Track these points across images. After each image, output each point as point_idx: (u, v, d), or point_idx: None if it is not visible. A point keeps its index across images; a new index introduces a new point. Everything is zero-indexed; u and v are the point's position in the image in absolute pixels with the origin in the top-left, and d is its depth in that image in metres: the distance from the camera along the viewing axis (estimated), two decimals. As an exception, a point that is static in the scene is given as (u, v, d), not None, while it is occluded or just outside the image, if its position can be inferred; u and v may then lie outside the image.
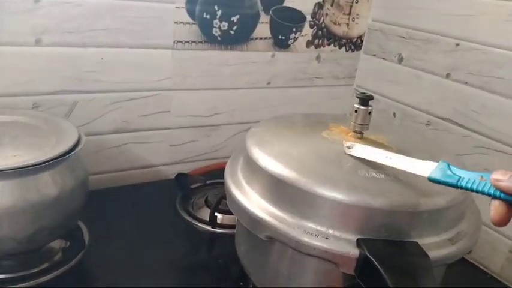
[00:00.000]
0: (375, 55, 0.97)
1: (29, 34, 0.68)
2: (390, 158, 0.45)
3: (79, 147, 0.57)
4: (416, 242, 0.41)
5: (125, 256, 0.64)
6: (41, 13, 0.68)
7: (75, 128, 0.61)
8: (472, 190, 0.36)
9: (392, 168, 0.45)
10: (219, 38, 0.83)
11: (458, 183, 0.37)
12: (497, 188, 0.34)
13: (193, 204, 0.80)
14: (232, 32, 0.83)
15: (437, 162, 0.40)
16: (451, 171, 0.38)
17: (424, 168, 0.40)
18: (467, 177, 0.36)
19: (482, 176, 0.36)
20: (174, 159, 0.89)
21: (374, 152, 0.47)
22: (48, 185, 0.54)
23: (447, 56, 0.81)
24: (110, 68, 0.75)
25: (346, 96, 1.02)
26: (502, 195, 0.34)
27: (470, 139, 0.78)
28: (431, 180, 0.39)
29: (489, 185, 0.35)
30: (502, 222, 0.34)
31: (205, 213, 0.76)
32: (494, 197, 0.35)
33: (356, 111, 0.51)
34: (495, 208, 0.34)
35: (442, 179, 0.38)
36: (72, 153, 0.56)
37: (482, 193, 0.35)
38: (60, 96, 0.73)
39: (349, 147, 0.49)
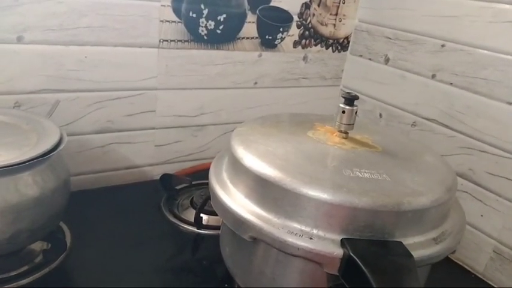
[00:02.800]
0: (361, 56, 0.97)
1: (10, 31, 0.67)
2: None
3: (61, 146, 0.56)
4: (401, 242, 0.41)
5: (108, 258, 0.63)
6: (22, 10, 0.66)
7: (57, 128, 0.60)
8: None
9: (378, 167, 0.45)
10: (205, 37, 0.82)
11: None
12: None
13: (179, 205, 0.79)
14: (218, 31, 0.83)
15: (422, 160, 0.40)
16: None
17: None
18: None
19: None
20: (159, 159, 0.88)
21: None
22: (28, 186, 0.53)
23: (433, 56, 0.82)
24: (93, 66, 0.74)
25: (333, 97, 1.02)
26: None
27: (455, 140, 0.79)
28: None
29: None
30: None
31: (190, 214, 0.75)
32: None
33: (340, 110, 0.51)
34: None
35: None
36: (54, 153, 0.55)
37: None
38: (42, 95, 0.72)
39: None
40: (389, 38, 0.90)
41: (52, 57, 0.71)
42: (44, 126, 0.60)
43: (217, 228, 0.59)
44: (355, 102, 0.51)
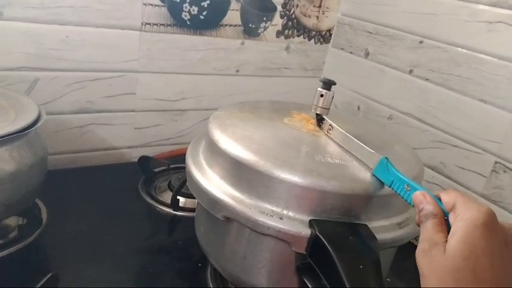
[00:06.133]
0: (343, 49, 0.99)
1: (-11, 7, 0.66)
2: (348, 141, 0.48)
3: (39, 123, 0.57)
4: (366, 225, 0.43)
5: (84, 237, 0.64)
6: (2, -15, 0.66)
7: (36, 105, 0.60)
8: (399, 195, 0.41)
9: (348, 154, 0.47)
10: (188, 22, 0.82)
11: (391, 186, 0.42)
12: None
13: (156, 188, 0.80)
14: (202, 17, 0.83)
15: (392, 150, 0.43)
16: (388, 171, 0.42)
17: (370, 159, 0.45)
18: (398, 182, 0.41)
19: (407, 185, 0.40)
20: (138, 142, 0.88)
21: (340, 132, 0.50)
22: (5, 160, 0.53)
23: (411, 52, 0.84)
24: (74, 46, 0.74)
25: (314, 88, 1.02)
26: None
27: (428, 134, 0.82)
28: (374, 174, 0.44)
29: (411, 197, 0.39)
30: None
31: (167, 197, 0.76)
32: None
33: (318, 93, 0.52)
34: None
35: (380, 177, 0.43)
36: (32, 129, 0.55)
37: (406, 200, 0.40)
38: (21, 72, 0.71)
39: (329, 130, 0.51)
40: (370, 33, 0.92)
41: (32, 35, 0.70)
42: (22, 103, 0.60)
43: (193, 210, 0.60)
44: (333, 90, 0.53)
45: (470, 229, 0.32)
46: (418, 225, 0.36)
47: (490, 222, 0.33)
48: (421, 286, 0.33)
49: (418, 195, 0.37)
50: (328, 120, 0.52)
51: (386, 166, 0.42)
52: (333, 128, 0.51)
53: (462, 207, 0.34)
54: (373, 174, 0.44)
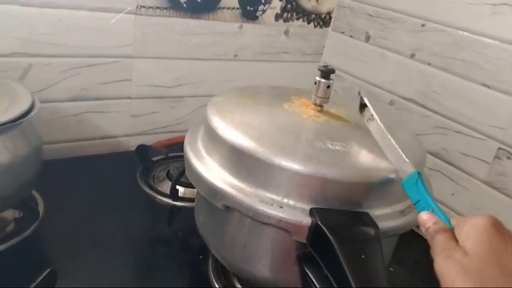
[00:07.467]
0: (343, 32, 0.97)
1: (-22, -10, 0.64)
2: (383, 138, 0.46)
3: (32, 112, 0.55)
4: (367, 213, 0.42)
5: (82, 228, 0.63)
6: (-9, -32, 0.63)
7: (29, 93, 0.58)
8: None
9: (350, 140, 0.46)
10: (184, 5, 0.80)
11: (415, 204, 0.40)
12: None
13: (154, 177, 0.79)
14: (198, 0, 0.81)
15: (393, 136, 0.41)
16: (417, 187, 0.40)
17: (403, 167, 0.42)
18: (424, 204, 0.39)
19: (432, 210, 0.38)
20: (135, 130, 0.87)
21: (378, 127, 0.47)
22: (-2, 151, 0.51)
23: (413, 36, 0.82)
24: (67, 31, 0.72)
25: (313, 73, 1.01)
26: None
27: (430, 119, 0.80)
28: (402, 185, 0.42)
29: None
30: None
31: (166, 186, 0.75)
32: None
33: (316, 83, 0.51)
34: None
35: (407, 191, 0.41)
36: (25, 119, 0.54)
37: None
38: (13, 58, 0.69)
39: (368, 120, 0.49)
40: (371, 16, 0.90)
41: (24, 20, 0.68)
42: (15, 91, 0.58)
43: (193, 200, 0.59)
44: (333, 78, 0.52)
45: (483, 230, 0.34)
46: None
47: (498, 223, 0.34)
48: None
49: (423, 215, 0.38)
50: (370, 110, 0.49)
51: (416, 182, 0.40)
52: (373, 119, 0.48)
53: (466, 219, 0.35)
54: (402, 184, 0.42)
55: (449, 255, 0.33)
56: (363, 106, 0.50)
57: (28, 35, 0.69)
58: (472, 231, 0.34)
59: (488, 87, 0.71)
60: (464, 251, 0.33)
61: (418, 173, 0.41)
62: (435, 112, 0.80)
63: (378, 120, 0.47)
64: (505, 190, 0.70)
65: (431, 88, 0.80)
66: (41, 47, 0.71)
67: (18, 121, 0.52)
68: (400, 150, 0.43)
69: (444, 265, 0.33)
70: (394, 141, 0.44)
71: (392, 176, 0.43)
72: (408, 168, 0.42)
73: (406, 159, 0.42)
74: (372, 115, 0.48)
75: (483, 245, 0.33)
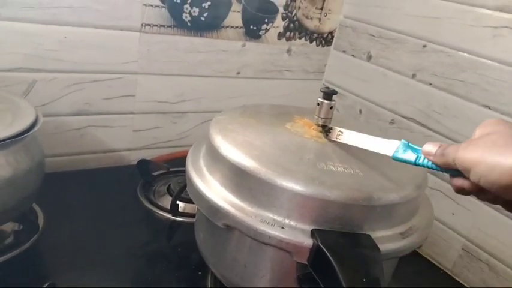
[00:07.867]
0: (344, 51, 0.98)
1: (-14, 6, 0.65)
2: (361, 140, 0.47)
3: (35, 128, 0.55)
4: (369, 235, 0.42)
5: (82, 242, 0.63)
6: (-1, -15, 0.65)
7: (33, 108, 0.59)
8: (426, 167, 0.40)
9: (351, 162, 0.46)
10: (189, 24, 0.81)
11: (416, 162, 0.40)
12: (429, 161, 0.38)
13: (155, 192, 0.79)
14: (202, 19, 0.82)
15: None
16: (411, 149, 0.41)
17: (388, 147, 0.43)
18: (423, 156, 0.39)
19: None
20: (137, 144, 0.87)
21: (351, 133, 0.49)
22: (0, 166, 0.52)
23: (414, 56, 0.83)
24: (73, 47, 0.73)
25: (315, 91, 1.02)
26: (439, 168, 0.38)
27: (431, 139, 0.80)
28: (395, 159, 0.42)
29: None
30: (460, 192, 0.38)
31: (167, 201, 0.75)
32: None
33: (319, 104, 0.51)
34: (451, 179, 0.38)
35: (403, 157, 0.41)
36: (28, 134, 0.54)
37: (432, 168, 0.39)
38: (18, 73, 0.70)
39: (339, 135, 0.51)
40: (373, 36, 0.91)
41: (30, 36, 0.69)
42: (19, 106, 0.59)
43: (193, 216, 0.59)
44: (334, 97, 0.52)
45: (490, 122, 0.36)
46: (440, 166, 0.37)
47: (503, 120, 0.37)
48: (473, 177, 0.34)
49: (426, 146, 0.38)
50: (336, 128, 0.51)
51: (407, 146, 0.41)
52: (342, 133, 0.50)
53: None
54: (394, 158, 0.42)
55: (468, 144, 0.34)
56: (327, 130, 0.52)
57: (33, 51, 0.70)
58: (479, 129, 0.36)
59: (489, 108, 0.71)
60: (479, 136, 0.35)
61: (406, 140, 0.42)
62: (436, 132, 0.80)
63: (346, 130, 0.49)
64: (505, 211, 0.69)
65: (432, 108, 0.80)
66: (46, 63, 0.72)
67: (21, 136, 0.53)
68: (377, 137, 0.45)
69: (467, 153, 0.34)
70: (369, 135, 0.46)
71: (394, 198, 0.43)
72: (393, 144, 0.42)
73: (386, 139, 0.43)
74: (339, 131, 0.50)
75: (491, 127, 0.35)
